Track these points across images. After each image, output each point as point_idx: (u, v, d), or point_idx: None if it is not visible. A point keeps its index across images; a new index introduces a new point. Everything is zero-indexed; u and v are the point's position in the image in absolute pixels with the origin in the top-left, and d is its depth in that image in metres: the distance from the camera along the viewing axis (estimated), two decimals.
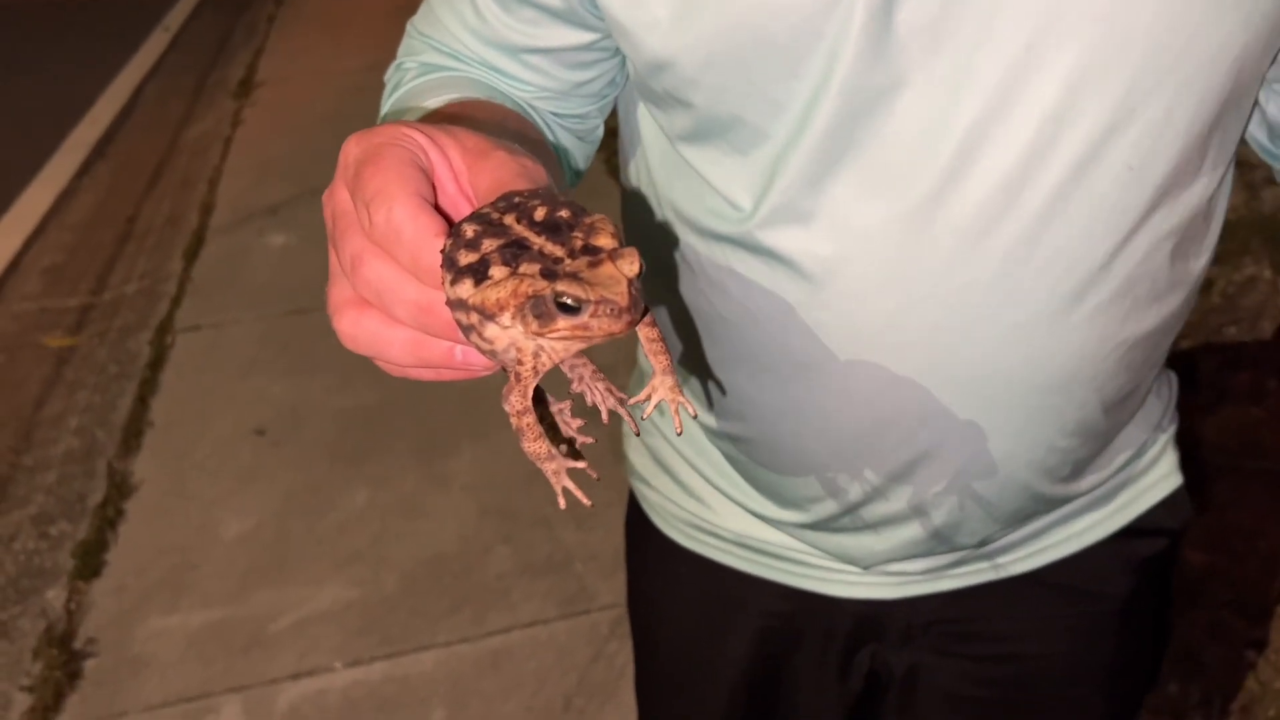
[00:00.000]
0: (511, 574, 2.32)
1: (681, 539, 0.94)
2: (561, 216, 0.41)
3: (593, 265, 0.39)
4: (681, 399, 0.47)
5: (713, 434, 0.84)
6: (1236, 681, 1.96)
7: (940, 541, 0.79)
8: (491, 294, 0.39)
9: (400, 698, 2.06)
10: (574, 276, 0.39)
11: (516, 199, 0.42)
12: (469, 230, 0.40)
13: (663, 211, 0.75)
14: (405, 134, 0.44)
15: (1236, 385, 2.59)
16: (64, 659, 2.21)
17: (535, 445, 0.44)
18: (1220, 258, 2.86)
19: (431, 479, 2.62)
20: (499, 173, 0.44)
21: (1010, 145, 0.61)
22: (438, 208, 0.44)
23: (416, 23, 0.76)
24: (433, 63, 0.73)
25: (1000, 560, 0.86)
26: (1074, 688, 0.92)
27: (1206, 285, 2.97)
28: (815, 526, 0.82)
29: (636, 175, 0.78)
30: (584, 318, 0.39)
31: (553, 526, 2.41)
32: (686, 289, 0.76)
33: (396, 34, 0.77)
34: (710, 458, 0.87)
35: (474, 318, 0.40)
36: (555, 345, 0.41)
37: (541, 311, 0.39)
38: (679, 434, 0.52)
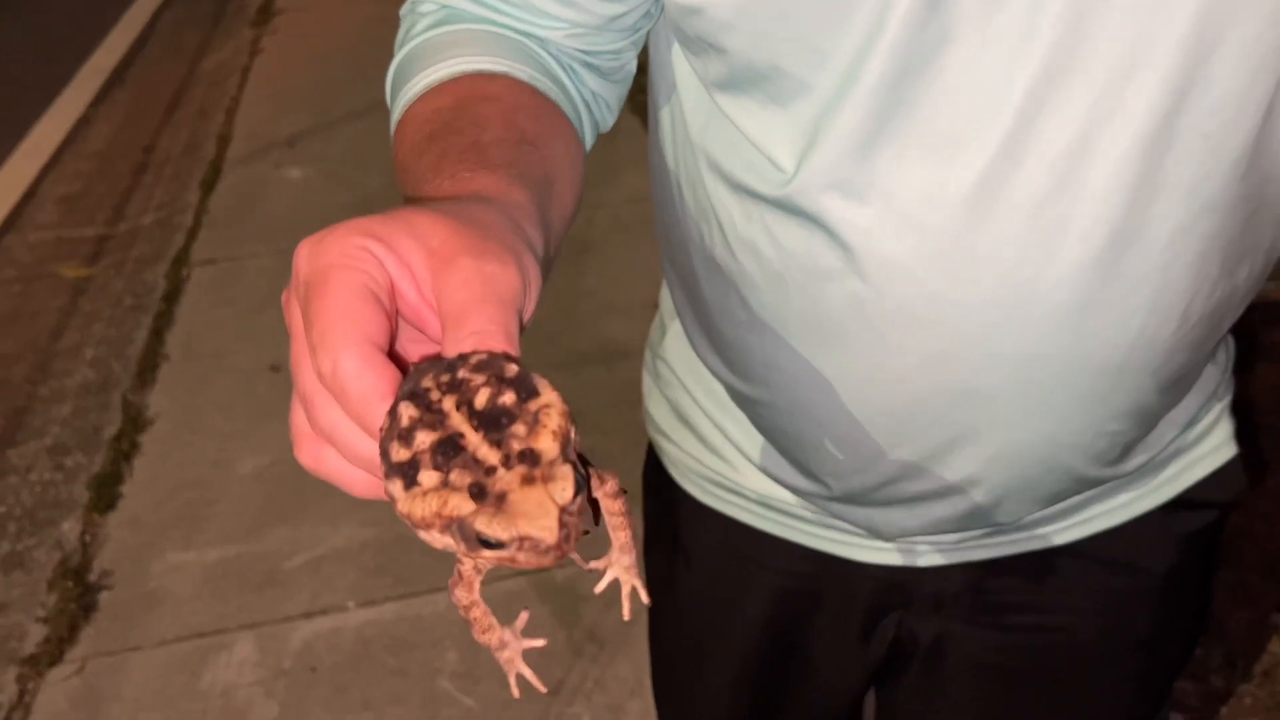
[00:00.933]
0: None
1: (701, 495, 0.91)
2: (503, 405, 0.37)
3: (526, 482, 0.35)
4: (636, 582, 0.44)
5: (736, 395, 0.80)
6: (1260, 645, 1.93)
7: (972, 521, 0.75)
8: (417, 508, 0.36)
9: (413, 638, 2.06)
10: (499, 504, 0.35)
11: (462, 371, 0.38)
12: (405, 416, 0.37)
13: (696, 161, 0.70)
14: (359, 249, 0.40)
15: (1271, 343, 2.52)
16: (79, 591, 2.21)
17: (486, 636, 0.43)
18: None
19: None
20: (462, 293, 0.40)
21: (1072, 111, 0.56)
22: (390, 351, 0.40)
23: None
24: (451, 5, 0.68)
25: (1038, 532, 0.82)
26: (1109, 661, 0.89)
27: None
28: (840, 499, 0.79)
29: (670, 121, 0.74)
30: (509, 551, 0.36)
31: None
32: (716, 245, 0.71)
33: None
34: (734, 416, 0.84)
35: (408, 522, 0.38)
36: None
37: (466, 535, 0.36)
38: (626, 620, 0.48)
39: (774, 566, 0.89)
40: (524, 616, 0.45)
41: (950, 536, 0.80)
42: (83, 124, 4.65)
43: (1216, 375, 0.82)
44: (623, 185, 3.25)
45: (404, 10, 0.70)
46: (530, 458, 0.36)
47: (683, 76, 0.70)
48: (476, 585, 0.41)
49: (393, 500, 0.37)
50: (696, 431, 0.88)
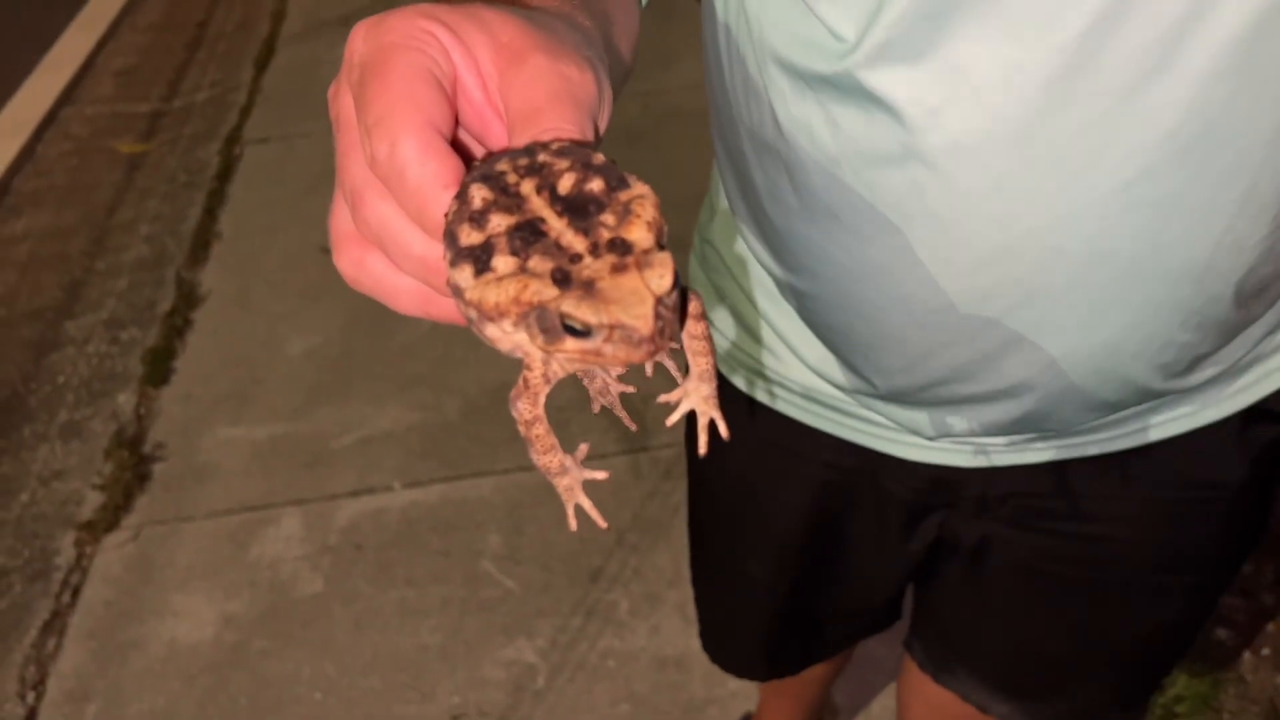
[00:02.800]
0: (572, 407, 2.30)
1: (744, 385, 0.88)
2: (591, 191, 0.33)
3: (616, 271, 0.31)
4: (715, 413, 0.40)
5: (782, 286, 0.76)
6: None
7: (1022, 425, 0.71)
8: (491, 294, 0.32)
9: (457, 520, 2.08)
10: (588, 289, 0.31)
11: (542, 155, 0.34)
12: (478, 197, 0.33)
13: (750, 36, 0.65)
14: (423, 30, 0.36)
15: None
16: (134, 461, 2.26)
17: (546, 458, 0.39)
18: None
19: None
20: (534, 91, 0.35)
21: None
22: (455, 141, 0.36)
23: None
24: None
25: (1094, 438, 0.77)
26: (1158, 574, 0.86)
27: None
28: (886, 398, 0.75)
29: None
30: (596, 342, 0.32)
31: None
32: (767, 128, 0.66)
33: None
34: (780, 307, 0.80)
35: (473, 312, 0.34)
36: (567, 360, 0.35)
37: (547, 326, 0.32)
38: (702, 455, 0.43)
39: (816, 459, 0.87)
40: (584, 449, 0.41)
41: (998, 439, 0.77)
42: None
43: None
44: (679, 71, 3.15)
45: None
46: (621, 247, 0.32)
47: None
48: (542, 397, 0.37)
49: (457, 292, 0.33)
50: (741, 321, 0.85)
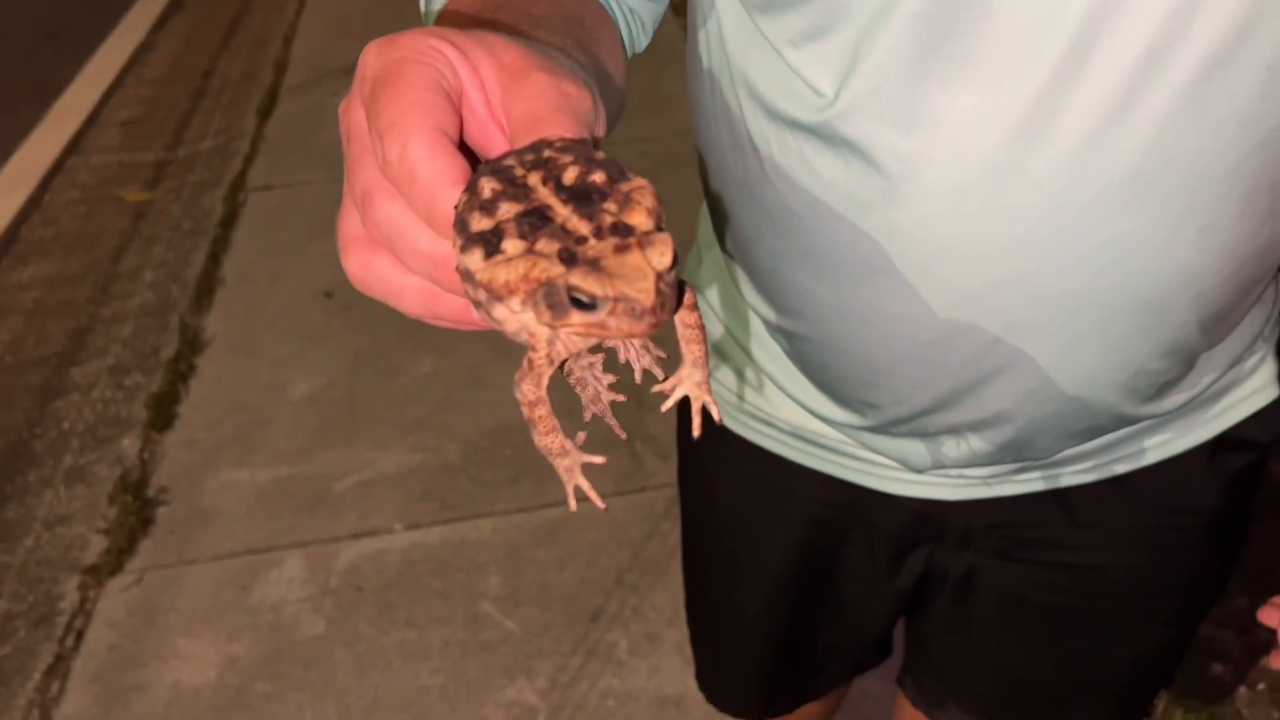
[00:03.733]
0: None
1: (734, 426, 0.91)
2: (594, 182, 0.35)
3: (619, 251, 0.34)
4: (708, 398, 0.42)
5: (770, 327, 0.80)
6: None
7: (1005, 455, 0.75)
8: (501, 274, 0.34)
9: (457, 562, 2.10)
10: (593, 265, 0.33)
11: (547, 152, 0.36)
12: (487, 188, 0.35)
13: (734, 87, 0.69)
14: (432, 48, 0.39)
15: None
16: (138, 505, 2.29)
17: (547, 439, 0.40)
18: None
19: (496, 350, 2.61)
20: (535, 103, 0.38)
21: (1132, 38, 0.53)
22: (462, 144, 0.38)
23: None
24: None
25: (1073, 468, 0.80)
26: (1141, 600, 0.88)
27: None
28: (873, 430, 0.78)
29: (707, 44, 0.72)
30: (600, 315, 0.34)
31: (615, 404, 2.39)
32: (752, 174, 0.70)
33: None
34: (769, 349, 0.83)
35: (482, 294, 0.35)
36: (572, 337, 0.36)
37: (554, 302, 0.34)
38: (696, 437, 0.46)
39: (805, 496, 0.89)
40: (581, 436, 0.43)
41: (981, 470, 0.79)
42: (144, 49, 4.69)
43: (1264, 316, 0.79)
44: (674, 117, 3.21)
45: None
46: (623, 230, 0.34)
47: (723, 0, 0.68)
48: (545, 378, 0.38)
49: (467, 276, 0.35)
50: (730, 362, 0.88)
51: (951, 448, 0.75)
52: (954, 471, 0.80)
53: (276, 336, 2.76)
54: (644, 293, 0.33)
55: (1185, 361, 0.70)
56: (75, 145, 3.89)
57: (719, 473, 0.96)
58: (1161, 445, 0.80)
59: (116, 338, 2.88)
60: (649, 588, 2.00)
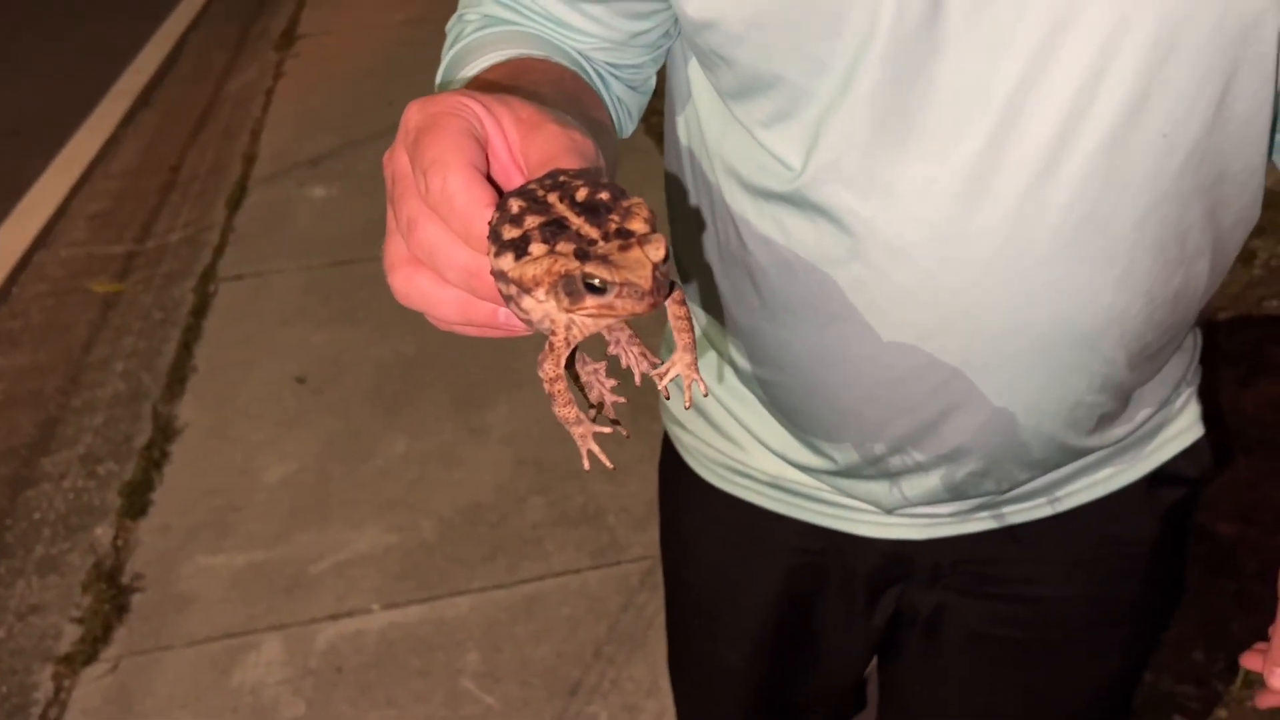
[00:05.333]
0: (545, 524, 2.37)
1: (714, 479, 0.97)
2: (601, 199, 0.43)
3: (623, 249, 0.42)
4: (696, 376, 0.50)
5: (748, 379, 0.87)
6: None
7: (967, 488, 0.82)
8: (529, 270, 0.42)
9: (435, 640, 2.12)
10: (604, 259, 0.41)
11: (562, 178, 0.44)
12: (514, 206, 0.43)
13: (712, 165, 0.77)
14: (463, 104, 0.47)
15: (1275, 358, 2.57)
16: (112, 593, 2.29)
17: (565, 410, 0.48)
18: (1263, 230, 2.83)
19: (469, 430, 2.66)
20: (550, 146, 0.46)
21: (1048, 112, 0.63)
22: (489, 177, 0.46)
23: None
24: (493, 15, 0.75)
25: (1028, 504, 0.88)
26: (1095, 629, 0.95)
27: (1249, 258, 2.94)
28: (845, 473, 0.85)
29: (685, 129, 0.80)
30: (609, 298, 0.42)
31: (586, 479, 2.45)
32: (731, 240, 0.78)
33: None
34: (745, 401, 0.90)
35: (513, 289, 0.43)
36: (585, 320, 0.44)
37: (572, 289, 0.42)
38: (687, 408, 0.56)
39: (784, 545, 0.95)
40: (593, 412, 0.51)
41: (946, 509, 0.87)
42: (112, 143, 4.76)
43: (1186, 361, 0.89)
44: (650, 196, 3.32)
45: (449, 24, 0.78)
46: (625, 233, 0.42)
47: (699, 88, 0.77)
48: (564, 358, 0.46)
49: (500, 276, 0.43)
50: (709, 418, 0.95)
51: (916, 485, 0.82)
52: (921, 510, 0.87)
53: (249, 422, 2.80)
54: (644, 278, 0.41)
55: (1119, 396, 0.79)
56: (43, 239, 3.93)
57: (699, 527, 1.02)
58: (1104, 480, 0.89)
59: (88, 427, 2.89)
60: (626, 660, 2.03)
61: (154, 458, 2.69)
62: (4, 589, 2.36)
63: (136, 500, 2.55)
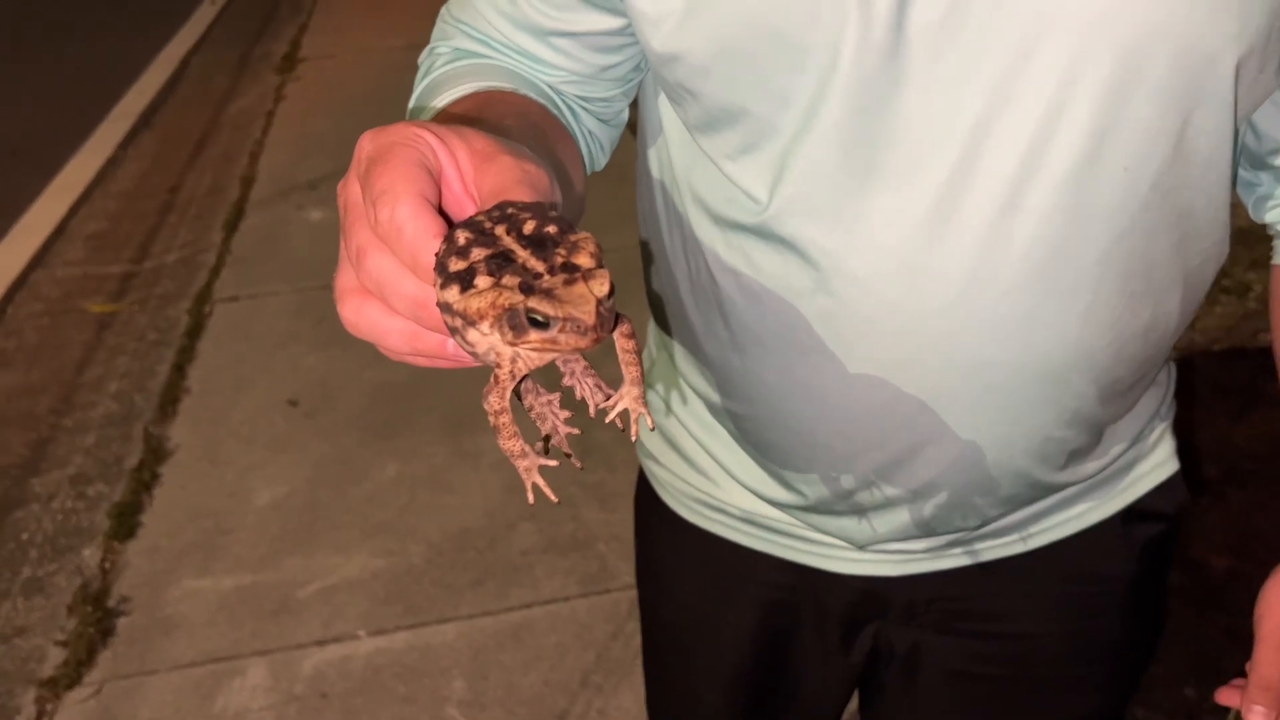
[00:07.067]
0: (535, 551, 2.36)
1: (688, 514, 0.96)
2: (548, 232, 0.43)
3: (568, 283, 0.41)
4: (643, 410, 0.50)
5: (719, 412, 0.87)
6: None
7: (938, 524, 0.81)
8: (473, 302, 0.42)
9: (422, 666, 2.10)
10: (548, 294, 0.41)
11: (510, 210, 0.44)
12: (462, 237, 0.43)
13: (682, 197, 0.77)
14: (417, 135, 0.46)
15: (1269, 392, 2.57)
16: (98, 616, 2.27)
17: (510, 443, 0.47)
18: (1257, 263, 2.84)
19: (459, 455, 2.66)
20: (501, 178, 0.46)
21: (1011, 145, 0.63)
22: (441, 209, 0.46)
23: (450, 8, 0.78)
24: (464, 48, 0.75)
25: (1001, 540, 0.87)
26: (1073, 666, 0.94)
27: (1243, 290, 2.94)
28: (816, 509, 0.84)
29: (656, 162, 0.81)
30: (553, 332, 0.41)
31: (577, 506, 2.44)
32: (701, 272, 0.78)
33: (437, 14, 0.80)
34: (719, 436, 0.90)
35: (458, 321, 0.43)
36: (530, 354, 0.44)
37: (516, 323, 0.42)
38: (634, 440, 0.55)
39: (758, 580, 0.95)
40: (539, 445, 0.50)
41: (919, 545, 0.86)
42: (111, 164, 4.77)
43: (1159, 396, 0.89)
44: (634, 230, 3.33)
45: (421, 57, 0.78)
46: (571, 268, 0.42)
47: (669, 122, 0.77)
48: (509, 392, 0.45)
49: (446, 308, 0.43)
50: (682, 453, 0.94)
51: (888, 520, 0.81)
52: (893, 547, 0.86)
53: (241, 445, 2.79)
54: (587, 314, 0.41)
55: (1090, 431, 0.78)
56: (40, 258, 3.93)
57: (675, 563, 1.01)
58: (1079, 517, 0.88)
59: (79, 447, 2.88)
60: (614, 688, 2.02)
61: (144, 479, 2.68)
62: None
63: (125, 522, 2.54)
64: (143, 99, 5.49)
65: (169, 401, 2.99)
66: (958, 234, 0.65)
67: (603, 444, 2.52)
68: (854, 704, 1.08)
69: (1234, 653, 2.03)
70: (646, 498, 1.02)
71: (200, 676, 2.12)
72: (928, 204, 0.65)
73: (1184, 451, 0.94)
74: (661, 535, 1.01)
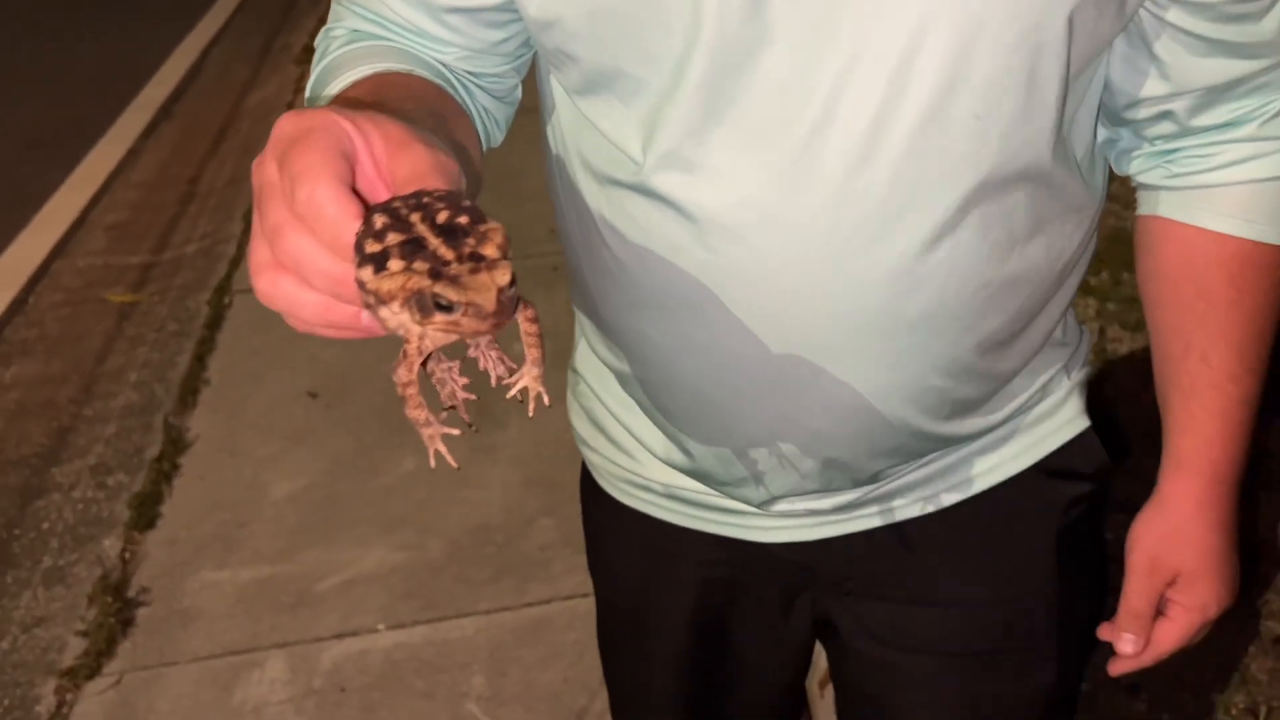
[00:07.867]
0: (554, 546, 2.35)
1: (620, 496, 0.98)
2: (460, 222, 0.46)
3: (473, 272, 0.45)
4: (540, 389, 0.54)
5: (628, 382, 0.88)
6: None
7: (832, 478, 0.82)
8: (385, 284, 0.45)
9: (440, 661, 2.10)
10: (454, 280, 0.44)
11: (426, 199, 0.47)
12: (379, 221, 0.46)
13: (572, 165, 0.80)
14: (334, 120, 0.48)
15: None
16: (118, 606, 2.27)
17: (416, 412, 0.52)
18: None
19: (479, 449, 2.65)
20: (416, 165, 0.48)
21: (865, 98, 0.65)
22: (355, 190, 0.48)
23: None
24: (359, 29, 0.77)
25: (910, 498, 0.88)
26: (1014, 637, 0.93)
27: None
28: (716, 473, 0.85)
29: (553, 134, 0.83)
30: (456, 316, 0.45)
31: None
32: (592, 237, 0.80)
33: None
34: (631, 410, 0.91)
35: (371, 299, 0.46)
36: (436, 333, 0.48)
37: (423, 305, 0.45)
38: (530, 416, 0.58)
39: (693, 559, 0.96)
40: (443, 415, 0.54)
41: (825, 503, 0.86)
42: (132, 155, 4.78)
43: (1063, 355, 0.89)
44: None
45: (317, 40, 0.80)
46: (477, 257, 0.45)
47: (558, 93, 0.80)
48: (416, 366, 0.49)
49: (361, 285, 0.45)
50: (607, 433, 0.96)
51: (780, 479, 0.82)
52: (800, 506, 0.87)
53: (260, 436, 2.79)
54: (488, 301, 0.45)
55: (974, 382, 0.79)
56: (61, 249, 3.94)
57: (615, 547, 1.03)
58: (985, 474, 0.88)
59: (99, 437, 2.89)
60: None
61: (164, 470, 2.69)
62: (9, 600, 2.35)
63: (146, 513, 2.55)
64: (163, 90, 5.50)
65: (189, 392, 2.99)
66: (816, 186, 0.68)
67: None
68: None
69: (1262, 659, 2.00)
70: (587, 486, 1.03)
71: (219, 669, 2.12)
72: (790, 157, 0.67)
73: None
74: (602, 521, 1.03)
